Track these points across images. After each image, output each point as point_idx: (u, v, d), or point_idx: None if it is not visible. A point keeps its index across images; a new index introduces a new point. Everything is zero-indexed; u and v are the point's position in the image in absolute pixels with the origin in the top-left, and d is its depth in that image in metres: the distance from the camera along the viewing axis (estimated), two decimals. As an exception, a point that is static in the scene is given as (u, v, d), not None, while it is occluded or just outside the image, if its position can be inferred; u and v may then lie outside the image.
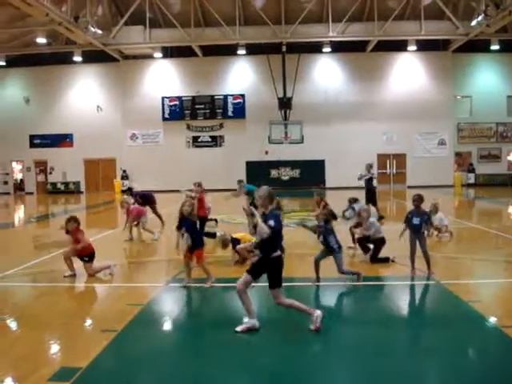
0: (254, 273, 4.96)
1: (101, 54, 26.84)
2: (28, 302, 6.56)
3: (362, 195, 13.33)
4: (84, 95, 29.86)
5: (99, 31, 23.43)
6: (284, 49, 26.28)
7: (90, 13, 22.99)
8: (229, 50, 27.42)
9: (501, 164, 29.28)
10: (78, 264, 7.60)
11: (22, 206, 24.53)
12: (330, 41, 26.31)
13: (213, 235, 9.89)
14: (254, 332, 4.94)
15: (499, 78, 28.77)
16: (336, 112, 28.36)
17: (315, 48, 27.30)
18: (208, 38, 25.85)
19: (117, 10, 26.27)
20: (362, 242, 8.54)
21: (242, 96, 28.84)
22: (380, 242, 8.25)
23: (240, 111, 28.93)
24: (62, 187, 30.20)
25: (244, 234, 8.88)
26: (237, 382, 4.10)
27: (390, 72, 28.79)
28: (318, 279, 6.84)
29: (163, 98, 29.14)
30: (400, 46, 27.32)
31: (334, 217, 7.04)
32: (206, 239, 10.04)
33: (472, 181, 28.92)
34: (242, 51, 26.85)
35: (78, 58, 27.24)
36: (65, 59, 27.92)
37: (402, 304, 6.36)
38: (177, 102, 29.18)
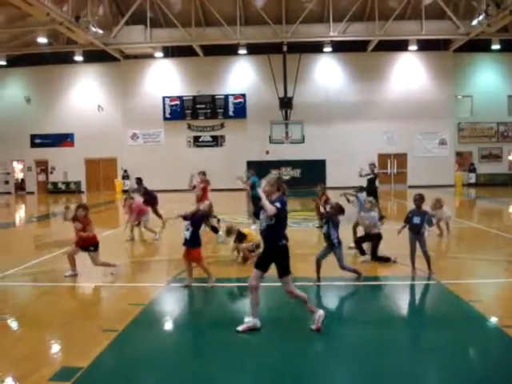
0: (262, 266, 4.97)
1: (102, 54, 26.85)
2: (29, 301, 6.56)
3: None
4: (85, 95, 29.87)
5: (100, 31, 23.44)
6: (285, 48, 26.26)
7: (90, 12, 23.01)
8: (230, 50, 27.40)
9: (502, 164, 29.26)
10: (79, 264, 7.60)
11: (23, 206, 24.55)
12: (331, 40, 26.29)
13: (216, 230, 9.93)
14: (254, 332, 4.95)
15: (500, 77, 28.74)
16: (337, 112, 28.35)
17: (316, 48, 27.28)
18: (209, 38, 25.86)
19: (117, 10, 26.28)
20: (360, 243, 8.50)
21: (243, 96, 28.83)
22: (376, 238, 8.23)
23: (241, 111, 28.93)
24: (63, 187, 30.22)
25: (249, 230, 8.85)
26: (237, 381, 4.10)
27: (391, 72, 28.77)
28: (318, 279, 6.84)
29: (164, 98, 29.14)
30: (401, 46, 27.31)
31: (342, 211, 7.02)
32: (208, 238, 10.10)
33: (473, 180, 28.91)
34: (242, 51, 26.83)
35: (78, 58, 27.24)
36: (66, 59, 27.93)
37: (403, 304, 6.35)
38: (178, 102, 29.18)
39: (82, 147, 29.60)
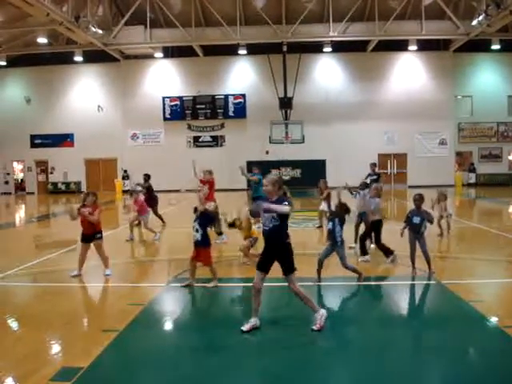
0: (264, 266, 5.01)
1: (101, 54, 26.87)
2: (29, 301, 6.56)
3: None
4: (85, 95, 29.89)
5: (100, 31, 23.44)
6: (285, 48, 26.26)
7: (90, 13, 23.01)
8: (230, 50, 27.42)
9: (502, 164, 29.27)
10: (76, 263, 7.59)
11: (23, 206, 24.55)
12: (331, 40, 26.31)
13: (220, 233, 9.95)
14: (255, 332, 4.95)
15: (500, 77, 28.75)
16: (337, 112, 28.36)
17: (316, 48, 27.29)
18: (209, 38, 25.87)
19: (117, 10, 26.29)
20: (364, 240, 8.48)
21: (243, 96, 28.84)
22: (378, 225, 8.21)
23: (241, 111, 28.94)
24: (63, 187, 30.24)
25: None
26: (238, 382, 4.10)
27: (391, 72, 28.78)
28: (319, 279, 6.83)
29: (164, 98, 29.16)
30: (401, 46, 27.34)
31: (348, 210, 7.00)
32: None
33: (473, 180, 28.93)
34: (242, 51, 26.86)
35: (78, 58, 27.28)
36: (65, 59, 27.96)
37: (403, 304, 6.35)
38: (178, 102, 29.19)
39: (82, 147, 29.62)
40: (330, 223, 6.85)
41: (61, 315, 5.68)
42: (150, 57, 28.37)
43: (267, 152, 28.23)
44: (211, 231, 10.53)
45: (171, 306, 6.33)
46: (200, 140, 29.58)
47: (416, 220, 7.16)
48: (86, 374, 4.06)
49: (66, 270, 7.61)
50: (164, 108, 29.21)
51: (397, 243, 7.98)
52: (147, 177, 13.56)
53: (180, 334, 5.31)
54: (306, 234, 11.78)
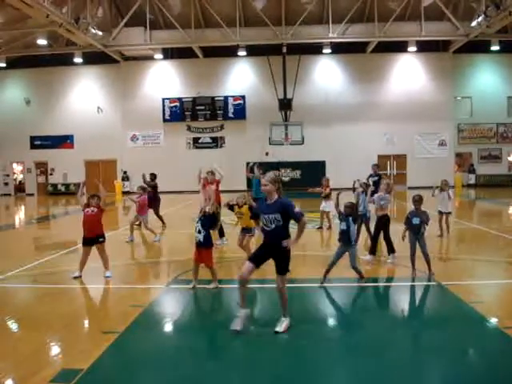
0: (258, 261, 5.02)
1: (101, 56, 26.87)
2: (29, 303, 6.56)
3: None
4: (84, 96, 29.89)
5: (99, 32, 23.46)
6: (284, 50, 26.27)
7: (90, 14, 23.01)
8: (229, 52, 27.44)
9: (501, 165, 29.28)
10: (76, 265, 7.59)
11: (23, 208, 24.53)
12: (331, 42, 26.32)
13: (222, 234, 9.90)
14: (255, 332, 4.95)
15: (499, 78, 28.77)
16: (336, 113, 28.38)
17: (315, 49, 27.32)
18: (208, 40, 25.89)
19: (117, 12, 26.30)
20: (377, 237, 8.42)
21: (243, 97, 28.86)
22: (386, 220, 8.23)
23: (240, 112, 28.95)
24: (63, 188, 30.23)
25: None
26: (238, 382, 4.10)
27: (391, 73, 28.80)
28: (324, 280, 6.79)
29: (164, 100, 29.17)
30: (400, 47, 27.35)
31: (357, 211, 7.00)
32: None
33: (472, 181, 28.93)
34: (242, 52, 26.89)
35: (78, 60, 27.29)
36: (65, 61, 27.97)
37: (403, 305, 6.35)
38: (177, 104, 29.20)
39: (82, 149, 29.61)
40: (344, 223, 6.78)
41: (61, 317, 5.68)
42: (150, 58, 28.39)
43: (267, 153, 28.22)
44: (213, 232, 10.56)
45: (171, 308, 6.33)
46: (200, 141, 29.58)
47: (416, 221, 7.15)
48: (85, 375, 4.05)
49: (66, 272, 7.61)
50: (164, 109, 29.22)
51: (397, 244, 7.99)
52: (154, 176, 13.63)
53: (180, 335, 5.31)
54: (306, 235, 11.72)
